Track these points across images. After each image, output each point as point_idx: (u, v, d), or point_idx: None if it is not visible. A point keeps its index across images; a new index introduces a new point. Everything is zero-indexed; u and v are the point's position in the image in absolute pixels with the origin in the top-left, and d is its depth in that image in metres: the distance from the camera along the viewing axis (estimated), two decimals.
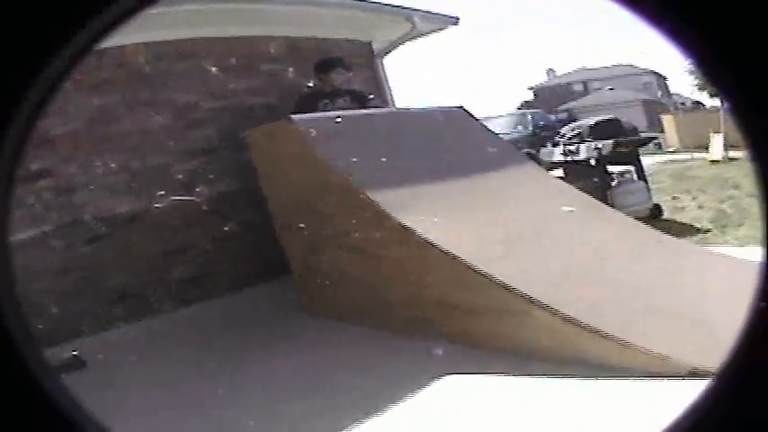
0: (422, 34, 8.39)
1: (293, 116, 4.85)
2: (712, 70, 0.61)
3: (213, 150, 5.60)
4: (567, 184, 6.22)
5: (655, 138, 16.57)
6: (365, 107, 5.90)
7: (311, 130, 4.65)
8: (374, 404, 3.11)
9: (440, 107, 6.19)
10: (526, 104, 48.46)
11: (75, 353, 4.08)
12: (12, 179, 0.67)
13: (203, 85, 5.80)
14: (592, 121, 9.71)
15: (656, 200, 8.38)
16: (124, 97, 5.37)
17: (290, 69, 6.26)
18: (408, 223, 4.09)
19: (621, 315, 3.55)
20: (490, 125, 11.82)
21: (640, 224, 5.49)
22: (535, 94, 55.21)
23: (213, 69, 5.65)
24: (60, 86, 0.66)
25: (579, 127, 9.53)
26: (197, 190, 5.24)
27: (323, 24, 6.97)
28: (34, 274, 4.46)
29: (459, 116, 5.99)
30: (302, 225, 4.64)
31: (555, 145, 9.28)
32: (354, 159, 4.52)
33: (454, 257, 3.83)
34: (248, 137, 5.19)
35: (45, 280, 4.59)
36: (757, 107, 0.59)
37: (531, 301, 3.51)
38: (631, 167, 8.31)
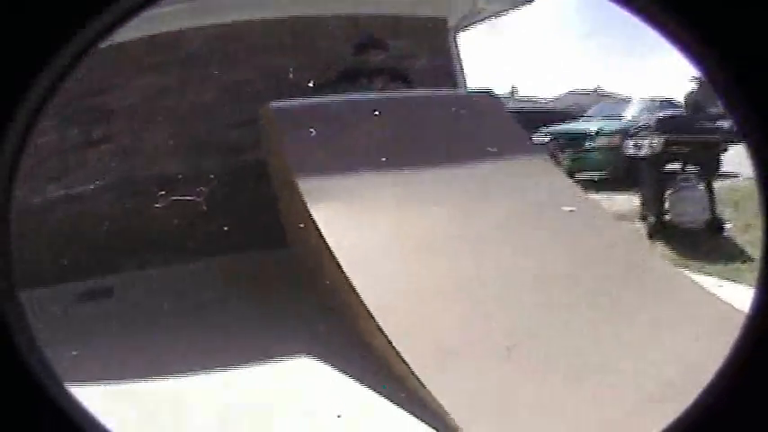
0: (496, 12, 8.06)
1: (275, 102, 5.09)
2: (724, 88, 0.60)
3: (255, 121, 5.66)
4: (571, 184, 5.44)
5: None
6: (405, 86, 5.93)
7: (286, 114, 4.93)
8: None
9: (468, 91, 6.34)
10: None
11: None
12: (12, 179, 0.67)
13: (255, 63, 6.18)
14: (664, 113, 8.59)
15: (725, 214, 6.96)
16: (178, 76, 5.98)
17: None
18: (321, 212, 4.15)
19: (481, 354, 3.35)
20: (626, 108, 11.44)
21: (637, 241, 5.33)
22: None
23: (269, 48, 6.11)
24: (61, 86, 0.66)
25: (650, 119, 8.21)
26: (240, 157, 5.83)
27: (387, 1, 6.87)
28: (88, 219, 5.58)
29: (483, 101, 5.80)
30: (281, 200, 5.08)
31: (631, 137, 8.29)
32: (309, 144, 4.63)
33: (331, 254, 3.80)
34: (260, 113, 5.31)
35: (96, 223, 5.49)
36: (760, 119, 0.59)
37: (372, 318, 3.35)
38: (695, 170, 7.09)
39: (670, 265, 4.97)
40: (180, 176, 5.59)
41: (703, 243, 6.28)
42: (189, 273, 5.30)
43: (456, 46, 7.84)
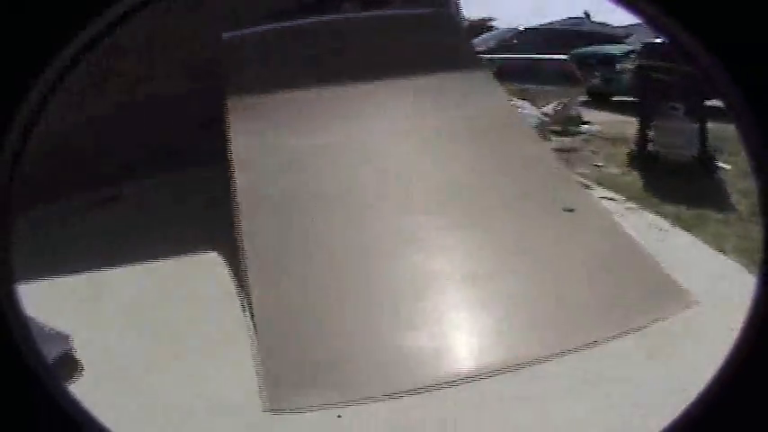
0: None
1: (228, 32, 5.65)
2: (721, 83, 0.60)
3: None
4: (502, 100, 5.35)
5: None
6: (378, 8, 6.04)
7: (235, 42, 5.62)
8: None
9: (422, 10, 6.07)
10: None
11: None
12: (12, 179, 0.66)
13: None
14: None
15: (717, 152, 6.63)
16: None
17: None
18: (238, 125, 4.71)
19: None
20: None
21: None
22: None
23: None
24: (61, 86, 0.66)
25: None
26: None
27: None
28: (107, 136, 6.47)
29: (435, 19, 5.84)
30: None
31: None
32: (247, 67, 5.19)
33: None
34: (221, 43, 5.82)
35: (114, 139, 6.43)
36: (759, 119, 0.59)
37: None
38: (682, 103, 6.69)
39: (580, 187, 4.87)
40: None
41: (684, 180, 5.80)
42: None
43: None
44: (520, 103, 8.24)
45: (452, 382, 3.05)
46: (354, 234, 4.09)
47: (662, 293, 3.72)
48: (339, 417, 2.96)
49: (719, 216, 4.67)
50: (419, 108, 4.97)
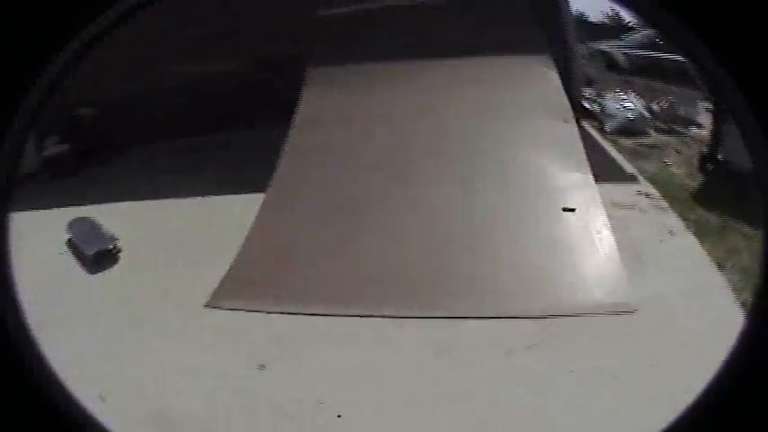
0: None
1: (321, 10, 6.33)
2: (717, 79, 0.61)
3: None
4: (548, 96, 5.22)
5: None
6: None
7: (323, 20, 6.30)
8: None
9: None
10: None
11: None
12: (11, 179, 0.68)
13: None
14: None
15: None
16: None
17: None
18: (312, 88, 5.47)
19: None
20: None
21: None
22: None
23: None
24: (61, 86, 0.67)
25: None
26: None
27: None
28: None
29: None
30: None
31: None
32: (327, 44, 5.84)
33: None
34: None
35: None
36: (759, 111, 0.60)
37: None
38: None
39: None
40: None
41: (742, 191, 4.69)
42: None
43: None
44: (623, 95, 7.89)
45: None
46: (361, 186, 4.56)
47: (598, 291, 3.58)
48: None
49: (747, 231, 4.18)
50: (465, 88, 5.24)
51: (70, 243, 4.53)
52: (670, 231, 4.21)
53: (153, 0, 0.71)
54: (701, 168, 6.02)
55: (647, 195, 4.90)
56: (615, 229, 4.03)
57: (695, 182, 5.68)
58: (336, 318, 3.37)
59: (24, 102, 0.63)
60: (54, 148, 8.12)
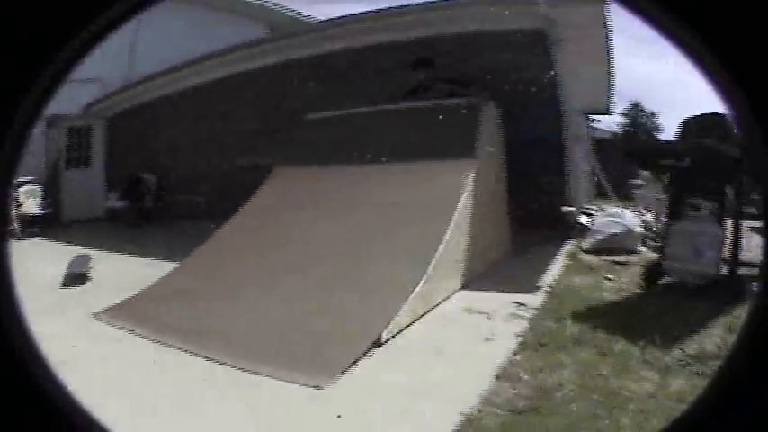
0: None
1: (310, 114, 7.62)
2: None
3: None
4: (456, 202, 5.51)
5: None
6: (461, 94, 6.96)
7: (312, 121, 7.61)
8: None
9: (460, 100, 6.85)
10: None
11: None
12: (10, 180, 0.67)
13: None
14: None
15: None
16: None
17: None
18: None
19: None
20: None
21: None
22: None
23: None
24: (60, 86, 0.66)
25: None
26: None
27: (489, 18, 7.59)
28: None
29: (455, 111, 6.52)
30: None
31: None
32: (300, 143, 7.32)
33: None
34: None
35: None
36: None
37: None
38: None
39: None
40: None
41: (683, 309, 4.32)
42: None
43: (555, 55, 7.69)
44: (617, 210, 7.08)
45: None
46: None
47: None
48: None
49: (604, 345, 3.77)
50: (387, 193, 5.98)
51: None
52: (486, 338, 4.11)
53: (153, 0, 0.70)
54: (648, 281, 5.24)
55: (519, 305, 4.76)
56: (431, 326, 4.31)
57: (612, 297, 5.18)
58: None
59: (24, 102, 0.62)
60: (115, 201, 10.66)
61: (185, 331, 4.24)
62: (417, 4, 8.13)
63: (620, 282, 5.68)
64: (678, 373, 3.46)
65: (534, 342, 4.00)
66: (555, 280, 5.64)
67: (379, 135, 6.72)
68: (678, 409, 2.89)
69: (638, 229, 6.71)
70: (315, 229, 5.90)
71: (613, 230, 6.70)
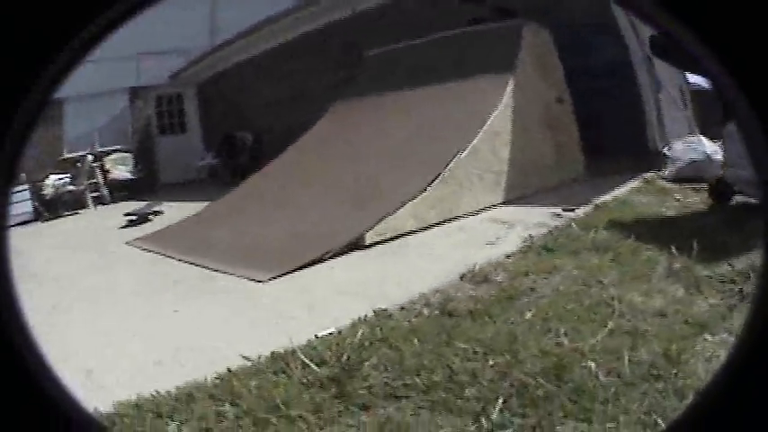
0: None
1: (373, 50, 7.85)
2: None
3: None
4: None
5: None
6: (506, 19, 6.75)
7: (374, 56, 7.75)
8: None
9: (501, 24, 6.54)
10: None
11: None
12: (10, 180, 0.65)
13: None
14: None
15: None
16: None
17: None
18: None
19: None
20: None
21: None
22: None
23: None
24: (60, 86, 0.66)
25: None
26: None
27: None
28: None
29: (499, 32, 6.29)
30: None
31: None
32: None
33: None
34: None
35: None
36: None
37: None
38: None
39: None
40: None
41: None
42: None
43: None
44: (695, 138, 6.19)
45: None
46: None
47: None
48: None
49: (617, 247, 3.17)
50: (432, 112, 5.86)
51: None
52: (487, 243, 3.65)
53: (153, 0, 0.68)
54: (714, 197, 4.42)
55: (555, 215, 4.17)
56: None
57: (670, 213, 4.29)
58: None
59: (24, 102, 0.62)
60: (209, 159, 10.99)
61: (186, 249, 4.71)
62: None
63: (688, 201, 4.75)
64: (711, 291, 2.53)
65: (540, 247, 3.32)
66: (614, 197, 4.82)
67: (429, 61, 6.59)
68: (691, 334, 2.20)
69: (719, 156, 5.56)
70: (342, 152, 5.96)
71: (692, 156, 5.87)
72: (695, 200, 4.72)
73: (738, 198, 4.28)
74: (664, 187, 5.27)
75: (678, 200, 4.77)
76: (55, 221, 8.64)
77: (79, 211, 9.11)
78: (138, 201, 8.66)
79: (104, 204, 9.55)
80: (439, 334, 2.22)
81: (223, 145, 11.00)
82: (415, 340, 2.19)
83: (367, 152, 5.64)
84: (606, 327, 2.27)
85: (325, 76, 9.71)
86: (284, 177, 6.07)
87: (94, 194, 9.70)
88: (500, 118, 5.22)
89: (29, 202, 9.08)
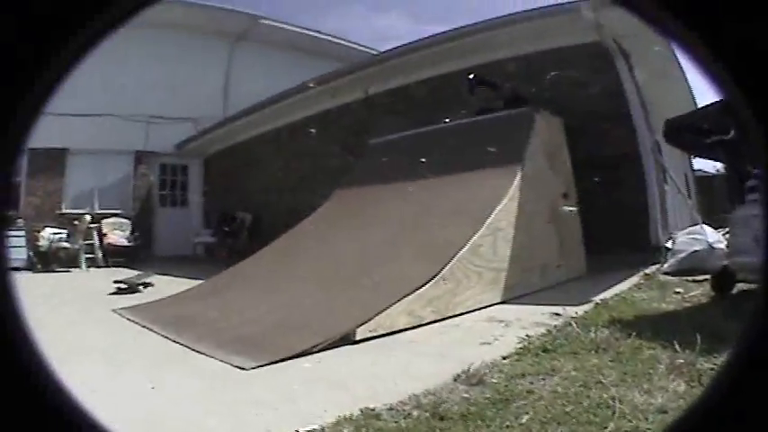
0: None
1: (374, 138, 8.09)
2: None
3: None
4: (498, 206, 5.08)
5: None
6: (519, 106, 6.67)
7: (374, 146, 7.97)
8: None
9: (512, 112, 6.53)
10: None
11: None
12: (10, 180, 0.65)
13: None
14: None
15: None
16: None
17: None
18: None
19: None
20: None
21: None
22: None
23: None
24: (60, 86, 0.66)
25: None
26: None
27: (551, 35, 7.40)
28: None
29: (502, 123, 6.24)
30: None
31: None
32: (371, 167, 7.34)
33: None
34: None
35: None
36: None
37: None
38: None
39: None
40: None
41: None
42: None
43: (628, 67, 7.17)
44: (698, 227, 5.99)
45: None
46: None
47: None
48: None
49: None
50: (434, 203, 5.84)
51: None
52: (482, 342, 3.53)
53: (153, 0, 0.69)
54: (716, 287, 4.38)
55: (554, 315, 4.09)
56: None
57: (671, 308, 4.18)
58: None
59: (24, 102, 0.61)
60: (206, 237, 10.92)
61: (168, 324, 4.61)
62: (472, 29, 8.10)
63: (689, 295, 4.65)
64: None
65: (538, 348, 3.20)
66: (614, 294, 4.75)
67: (434, 151, 6.54)
68: None
69: (722, 246, 5.54)
70: (339, 239, 5.88)
71: (695, 248, 5.76)
72: (696, 293, 4.63)
73: (740, 286, 4.23)
74: (665, 282, 5.17)
75: (678, 293, 4.68)
76: (46, 275, 8.58)
77: (71, 270, 9.01)
78: (131, 269, 8.59)
79: (98, 267, 9.48)
80: None
81: (222, 223, 10.86)
82: None
83: (364, 241, 5.53)
84: (606, 428, 2.12)
85: (332, 160, 9.81)
86: (277, 263, 5.95)
87: (89, 256, 9.65)
88: (504, 212, 5.13)
89: (24, 250, 9.15)
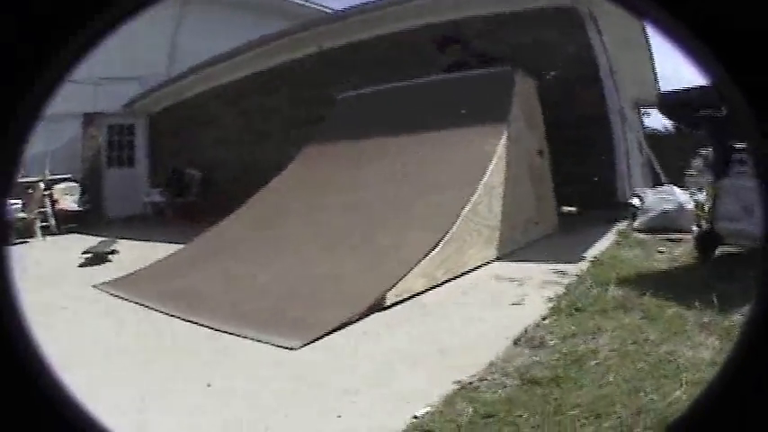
0: None
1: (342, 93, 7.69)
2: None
3: None
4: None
5: None
6: (489, 66, 6.62)
7: (343, 100, 7.65)
8: None
9: (491, 70, 6.45)
10: None
11: None
12: (10, 179, 0.65)
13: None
14: None
15: None
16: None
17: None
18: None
19: None
20: None
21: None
22: None
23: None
24: (60, 87, 0.66)
25: None
26: None
27: None
28: None
29: (487, 80, 6.19)
30: None
31: None
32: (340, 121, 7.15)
33: None
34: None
35: None
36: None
37: None
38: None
39: None
40: None
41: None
42: None
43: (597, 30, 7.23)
44: (668, 188, 6.33)
45: None
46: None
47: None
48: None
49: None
50: (421, 160, 5.76)
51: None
52: (512, 303, 3.67)
53: (153, 0, 0.69)
54: (700, 249, 4.58)
55: (557, 272, 4.29)
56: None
57: (663, 266, 4.49)
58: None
59: (24, 102, 0.61)
60: (155, 196, 10.61)
61: (168, 299, 4.38)
62: None
63: (673, 254, 4.94)
64: None
65: (569, 306, 3.41)
66: (601, 252, 4.99)
67: (411, 107, 6.41)
68: None
69: (691, 206, 6.01)
70: (330, 202, 5.66)
71: (665, 207, 6.08)
72: (679, 252, 4.93)
73: (722, 249, 4.52)
74: (642, 240, 5.51)
75: (662, 252, 5.00)
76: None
77: (28, 240, 8.54)
78: (85, 234, 8.28)
79: (52, 235, 9.13)
80: (545, 404, 2.18)
81: (170, 181, 10.53)
82: (525, 413, 2.13)
83: (357, 204, 5.38)
84: (681, 380, 2.37)
85: (288, 115, 9.53)
86: (264, 227, 5.59)
87: (43, 224, 9.27)
88: (496, 171, 5.21)
89: None
